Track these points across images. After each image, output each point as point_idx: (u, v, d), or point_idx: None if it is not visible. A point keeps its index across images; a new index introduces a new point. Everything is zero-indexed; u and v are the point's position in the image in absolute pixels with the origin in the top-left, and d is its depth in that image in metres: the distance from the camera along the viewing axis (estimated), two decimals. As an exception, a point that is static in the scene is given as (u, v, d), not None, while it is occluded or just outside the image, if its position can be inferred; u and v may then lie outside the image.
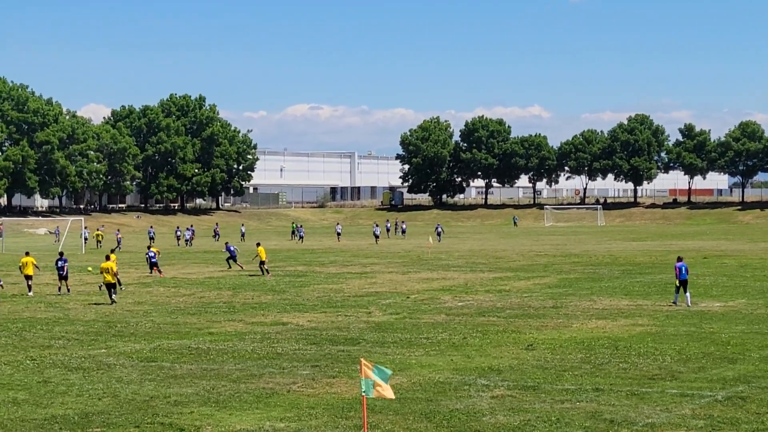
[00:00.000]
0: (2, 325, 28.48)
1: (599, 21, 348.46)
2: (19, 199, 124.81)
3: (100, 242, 76.65)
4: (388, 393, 13.94)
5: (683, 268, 31.42)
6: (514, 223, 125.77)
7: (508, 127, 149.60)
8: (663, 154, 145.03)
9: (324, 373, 20.25)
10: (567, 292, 36.18)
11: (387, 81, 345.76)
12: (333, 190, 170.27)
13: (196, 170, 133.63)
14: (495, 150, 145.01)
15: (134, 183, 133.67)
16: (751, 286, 37.97)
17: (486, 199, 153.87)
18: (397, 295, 35.88)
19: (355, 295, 36.00)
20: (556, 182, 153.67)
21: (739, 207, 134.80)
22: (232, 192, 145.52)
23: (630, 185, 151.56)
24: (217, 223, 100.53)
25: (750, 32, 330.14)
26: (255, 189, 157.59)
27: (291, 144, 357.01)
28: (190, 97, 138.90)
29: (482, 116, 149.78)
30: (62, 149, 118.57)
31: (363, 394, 13.88)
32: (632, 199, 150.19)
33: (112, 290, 34.29)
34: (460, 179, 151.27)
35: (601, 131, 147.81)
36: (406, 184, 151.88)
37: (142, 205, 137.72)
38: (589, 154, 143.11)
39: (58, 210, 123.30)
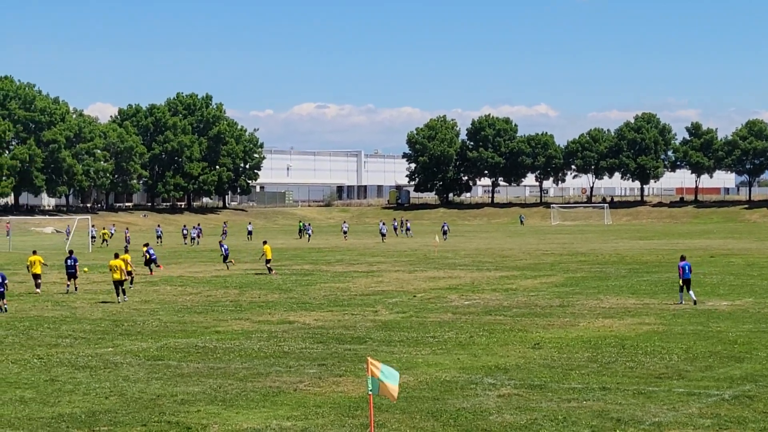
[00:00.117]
0: (10, 324, 28.56)
1: (606, 20, 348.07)
2: (26, 198, 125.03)
3: (107, 241, 76.92)
4: (393, 392, 13.82)
5: (686, 267, 31.41)
6: (521, 221, 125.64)
7: (515, 125, 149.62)
8: (670, 153, 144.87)
9: (331, 371, 20.26)
10: (574, 291, 36.16)
11: (393, 80, 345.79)
12: (339, 188, 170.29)
13: (203, 169, 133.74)
14: (501, 149, 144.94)
15: (141, 182, 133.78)
16: (759, 284, 37.91)
17: (492, 197, 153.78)
18: (403, 294, 35.89)
19: (361, 294, 36.01)
20: (563, 181, 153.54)
21: (746, 206, 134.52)
22: (238, 191, 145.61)
23: (637, 184, 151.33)
24: (225, 222, 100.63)
25: (757, 31, 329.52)
26: (261, 188, 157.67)
27: (297, 143, 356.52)
28: (196, 95, 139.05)
29: (489, 115, 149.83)
30: (69, 148, 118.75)
31: (369, 392, 13.88)
32: (639, 198, 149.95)
33: (120, 288, 34.41)
34: (466, 178, 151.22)
35: (608, 130, 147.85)
36: (412, 182, 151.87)
37: (149, 204, 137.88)
38: (595, 153, 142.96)
39: (65, 209, 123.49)
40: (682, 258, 32.16)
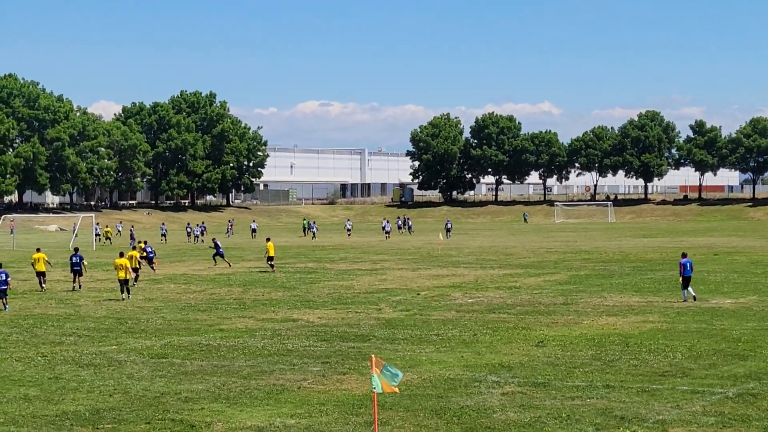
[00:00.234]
0: (14, 322, 28.59)
1: (609, 18, 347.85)
2: (30, 196, 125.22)
3: (110, 239, 77.09)
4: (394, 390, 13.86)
5: (688, 264, 31.38)
6: (525, 219, 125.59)
7: (519, 123, 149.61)
8: (673, 151, 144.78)
9: (334, 369, 20.27)
10: (577, 289, 36.14)
11: (397, 78, 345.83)
12: (343, 186, 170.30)
13: (207, 167, 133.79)
14: (505, 146, 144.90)
15: (145, 180, 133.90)
16: (762, 282, 37.87)
17: (496, 195, 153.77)
18: (407, 292, 35.88)
19: (365, 292, 36.01)
20: (567, 179, 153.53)
21: (750, 203, 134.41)
22: (242, 189, 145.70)
23: (640, 182, 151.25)
24: (230, 220, 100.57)
25: (761, 28, 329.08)
26: (265, 186, 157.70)
27: (301, 141, 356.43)
28: (200, 93, 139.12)
29: (492, 113, 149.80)
30: (73, 146, 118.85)
31: (373, 390, 13.89)
32: (643, 196, 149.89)
33: (125, 287, 34.44)
34: (470, 176, 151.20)
35: (612, 128, 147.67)
36: (416, 180, 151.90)
37: (153, 202, 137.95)
38: (599, 151, 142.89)
39: (68, 207, 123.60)
40: (684, 255, 32.12)
